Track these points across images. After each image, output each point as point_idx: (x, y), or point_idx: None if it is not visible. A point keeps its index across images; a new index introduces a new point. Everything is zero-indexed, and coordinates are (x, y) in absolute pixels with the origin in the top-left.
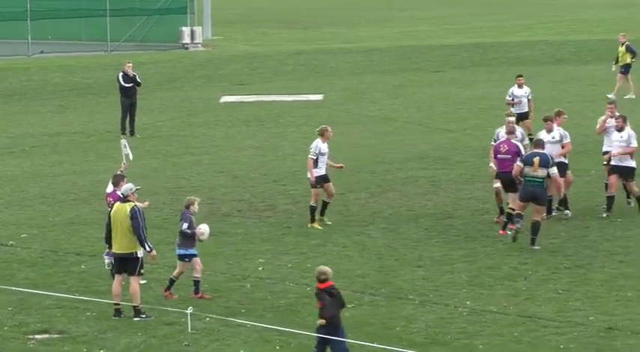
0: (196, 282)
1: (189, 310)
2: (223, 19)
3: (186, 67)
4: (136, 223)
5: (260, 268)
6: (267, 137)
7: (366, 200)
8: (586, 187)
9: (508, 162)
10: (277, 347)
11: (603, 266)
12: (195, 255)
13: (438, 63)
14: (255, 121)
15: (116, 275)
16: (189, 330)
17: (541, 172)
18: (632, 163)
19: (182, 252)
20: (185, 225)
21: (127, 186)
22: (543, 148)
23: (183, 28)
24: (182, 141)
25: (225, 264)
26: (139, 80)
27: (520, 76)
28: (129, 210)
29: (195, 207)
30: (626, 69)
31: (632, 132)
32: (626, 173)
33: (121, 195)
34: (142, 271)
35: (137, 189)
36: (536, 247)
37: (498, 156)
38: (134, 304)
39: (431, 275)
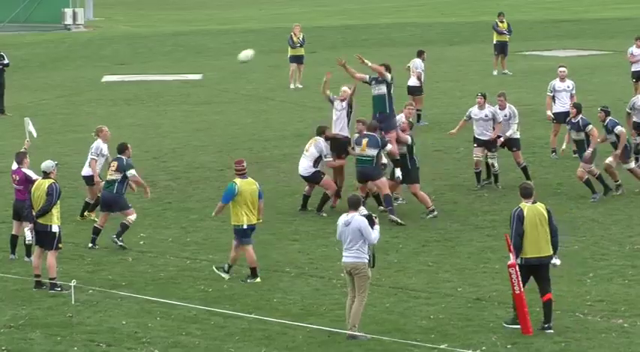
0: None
1: (73, 283)
2: (105, 0)
3: (68, 48)
4: (49, 200)
5: (141, 242)
6: (147, 115)
7: None
8: (455, 164)
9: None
10: (158, 318)
11: (471, 239)
12: None
13: (311, 44)
14: (136, 100)
15: (36, 248)
16: (73, 302)
17: (370, 152)
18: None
19: None
20: None
21: (48, 164)
22: (375, 131)
23: (66, 10)
24: (65, 119)
25: (108, 238)
26: (6, 61)
27: (422, 51)
28: (47, 186)
29: None
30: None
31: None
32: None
33: (43, 172)
34: (60, 246)
35: (56, 165)
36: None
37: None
38: (42, 277)
39: (306, 249)
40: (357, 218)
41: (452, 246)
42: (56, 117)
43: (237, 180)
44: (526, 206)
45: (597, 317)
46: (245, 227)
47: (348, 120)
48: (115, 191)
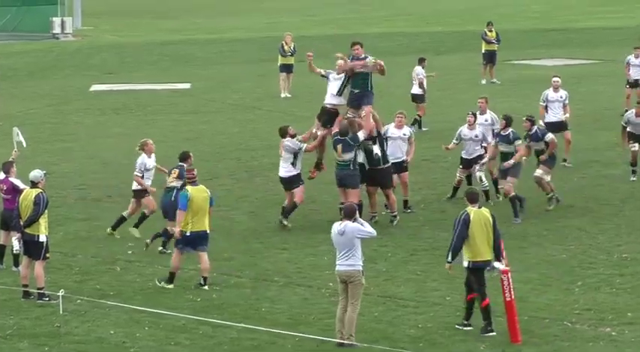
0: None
1: (61, 292)
2: (93, 9)
3: (57, 57)
4: (36, 209)
5: (130, 252)
6: (136, 124)
7: (232, 185)
8: (443, 173)
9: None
10: (146, 328)
11: None
12: None
13: (299, 53)
14: (125, 109)
15: (24, 258)
16: (61, 312)
17: (347, 156)
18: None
19: None
20: None
21: (36, 174)
22: (347, 134)
23: (54, 19)
24: (53, 128)
25: (96, 247)
26: None
27: (424, 59)
28: (34, 195)
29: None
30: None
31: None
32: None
33: (31, 182)
34: (48, 255)
35: (45, 174)
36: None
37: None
38: (34, 288)
39: (294, 258)
40: (350, 226)
41: (440, 254)
42: (44, 126)
43: (189, 188)
44: (472, 210)
45: (585, 325)
46: (189, 234)
47: (343, 88)
48: (173, 198)
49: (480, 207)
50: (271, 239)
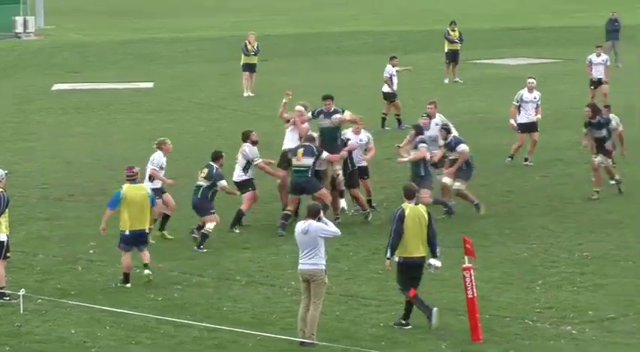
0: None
1: (22, 292)
2: (56, 8)
3: (19, 56)
4: None
5: (91, 251)
6: (98, 124)
7: None
8: (406, 172)
9: None
10: (107, 327)
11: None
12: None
13: (264, 53)
14: (87, 108)
15: None
16: (22, 312)
17: (306, 161)
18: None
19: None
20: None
21: None
22: (312, 141)
23: (16, 18)
24: (15, 127)
25: (57, 246)
26: None
27: (394, 57)
28: None
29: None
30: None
31: None
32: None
33: None
34: (8, 255)
35: (6, 174)
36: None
37: None
38: None
39: (257, 257)
40: (313, 225)
41: None
42: (6, 125)
43: (125, 186)
44: (408, 206)
45: (546, 324)
46: (127, 233)
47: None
48: (200, 195)
49: (416, 204)
50: (233, 238)
